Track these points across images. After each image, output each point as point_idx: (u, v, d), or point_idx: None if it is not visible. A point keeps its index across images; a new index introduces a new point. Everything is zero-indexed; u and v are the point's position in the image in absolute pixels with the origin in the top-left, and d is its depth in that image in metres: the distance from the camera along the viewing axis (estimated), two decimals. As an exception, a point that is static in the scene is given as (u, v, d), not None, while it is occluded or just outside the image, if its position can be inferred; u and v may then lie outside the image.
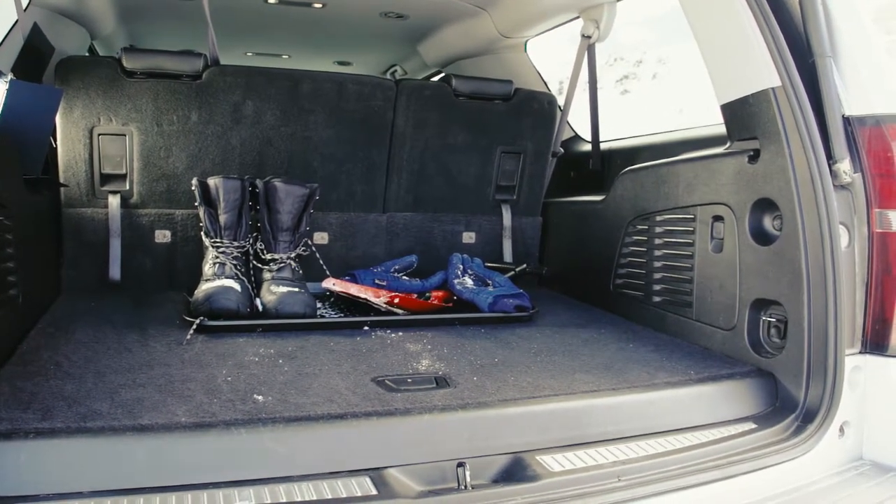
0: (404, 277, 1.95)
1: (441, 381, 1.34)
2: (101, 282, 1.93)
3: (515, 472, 1.16)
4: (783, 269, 1.45)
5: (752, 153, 1.52)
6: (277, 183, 1.76)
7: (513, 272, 2.11)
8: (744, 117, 1.53)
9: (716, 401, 1.41)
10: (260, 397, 1.20)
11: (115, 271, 1.90)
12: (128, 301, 1.84)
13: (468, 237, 2.27)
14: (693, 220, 1.70)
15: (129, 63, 1.84)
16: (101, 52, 2.83)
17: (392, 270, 1.98)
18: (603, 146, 2.39)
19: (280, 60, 3.46)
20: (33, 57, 1.76)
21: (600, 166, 2.35)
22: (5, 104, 1.54)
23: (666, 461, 1.21)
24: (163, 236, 1.98)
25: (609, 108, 2.36)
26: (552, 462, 1.18)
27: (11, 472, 0.99)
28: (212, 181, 1.74)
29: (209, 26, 1.92)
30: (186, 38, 3.06)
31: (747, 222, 1.54)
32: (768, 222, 1.53)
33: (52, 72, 1.86)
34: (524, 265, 2.17)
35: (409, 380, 1.34)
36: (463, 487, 1.10)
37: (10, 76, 1.57)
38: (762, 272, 1.50)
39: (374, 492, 1.05)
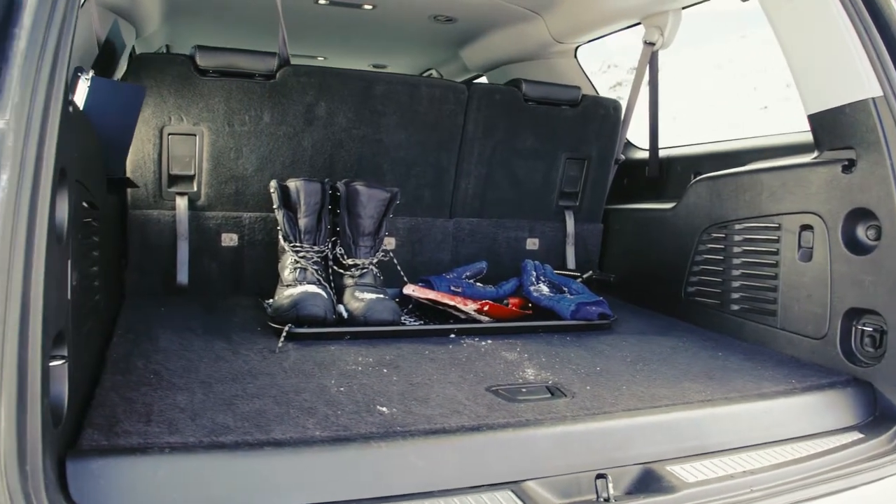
0: (478, 284, 1.93)
1: (555, 391, 1.32)
2: (166, 286, 1.87)
3: (650, 483, 1.14)
4: (881, 279, 1.45)
5: (846, 163, 1.53)
6: (359, 186, 1.73)
7: (580, 279, 2.09)
8: (837, 127, 1.54)
9: (820, 410, 1.41)
10: (384, 409, 1.17)
11: (182, 276, 1.85)
12: (197, 306, 1.78)
13: (531, 243, 2.25)
14: (778, 228, 1.70)
15: (202, 61, 1.79)
16: (138, 51, 2.76)
17: (464, 277, 1.95)
18: (660, 153, 2.39)
19: (315, 62, 3.41)
20: (109, 55, 1.70)
21: (658, 174, 2.36)
22: (87, 102, 1.49)
23: (792, 471, 1.21)
24: (229, 240, 1.92)
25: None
26: (683, 472, 1.17)
27: (150, 489, 0.95)
28: (292, 184, 1.70)
29: (281, 25, 1.88)
30: (223, 40, 3.00)
31: (840, 231, 1.54)
32: (861, 231, 1.53)
33: (120, 70, 1.80)
34: (590, 272, 2.16)
35: (524, 389, 1.32)
36: (604, 500, 1.08)
37: (91, 73, 1.51)
38: (857, 281, 1.51)
39: None
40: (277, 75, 1.86)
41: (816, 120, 1.60)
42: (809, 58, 1.58)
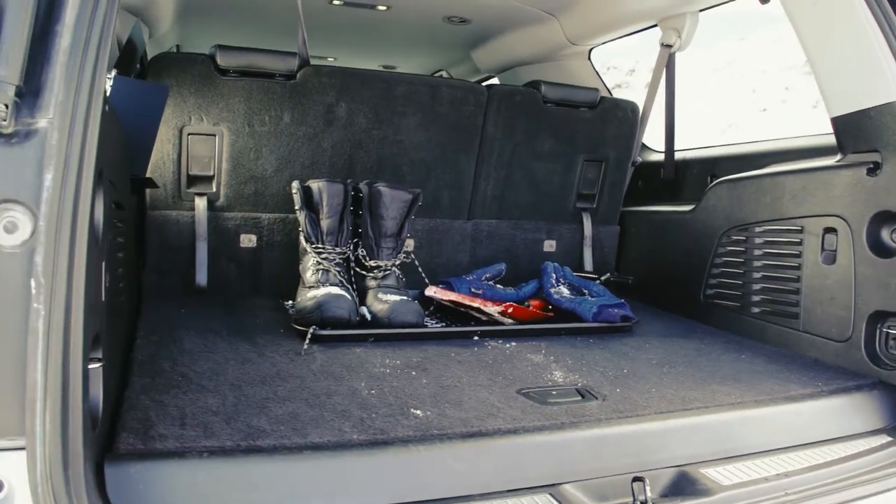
0: (498, 286, 1.92)
1: (585, 394, 1.31)
2: (184, 287, 1.86)
3: (685, 486, 1.14)
4: (907, 282, 1.45)
5: (871, 165, 1.53)
6: (382, 188, 1.72)
7: (599, 281, 2.09)
8: (862, 130, 1.54)
9: (848, 413, 1.41)
10: (418, 412, 1.16)
11: (201, 277, 1.83)
12: (217, 308, 1.77)
13: (549, 245, 2.25)
14: (800, 231, 1.70)
15: (222, 61, 1.78)
16: (149, 52, 2.75)
17: (483, 278, 1.94)
18: (676, 156, 2.39)
19: (326, 63, 3.40)
20: (129, 55, 1.69)
21: (674, 176, 2.35)
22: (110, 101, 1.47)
23: (825, 473, 1.21)
24: (248, 241, 1.91)
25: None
26: (717, 475, 1.16)
27: (189, 493, 0.94)
28: (314, 184, 1.69)
29: (301, 26, 1.87)
30: (234, 40, 2.98)
31: (865, 234, 1.54)
32: (886, 234, 1.53)
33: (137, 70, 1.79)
34: (608, 274, 2.16)
35: (554, 392, 1.31)
36: (640, 502, 1.07)
37: (113, 72, 1.51)
38: (882, 284, 1.50)
39: None
40: (298, 75, 1.85)
41: (840, 123, 1.60)
42: (833, 60, 1.57)
